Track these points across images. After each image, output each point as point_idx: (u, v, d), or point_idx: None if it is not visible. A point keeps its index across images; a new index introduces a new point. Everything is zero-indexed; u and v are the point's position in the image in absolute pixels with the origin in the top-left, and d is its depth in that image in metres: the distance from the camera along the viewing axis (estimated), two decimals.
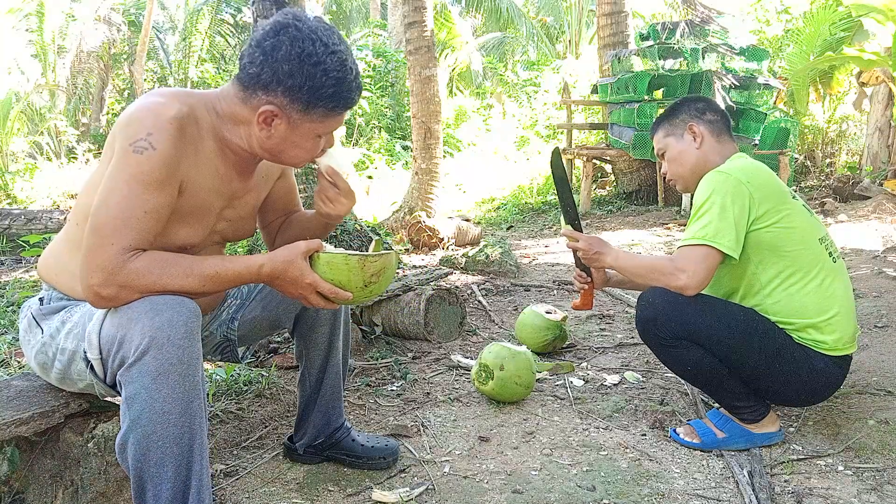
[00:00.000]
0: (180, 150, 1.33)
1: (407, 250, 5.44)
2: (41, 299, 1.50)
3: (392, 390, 2.48)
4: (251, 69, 1.35)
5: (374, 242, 1.59)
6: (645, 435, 2.08)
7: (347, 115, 1.51)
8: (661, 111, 2.43)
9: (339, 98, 1.38)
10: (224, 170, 1.47)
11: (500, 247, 4.63)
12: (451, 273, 4.19)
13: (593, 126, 8.99)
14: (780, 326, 1.86)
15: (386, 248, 1.66)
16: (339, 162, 1.56)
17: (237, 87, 1.40)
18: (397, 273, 1.80)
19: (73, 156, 12.76)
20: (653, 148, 2.14)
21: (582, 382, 2.54)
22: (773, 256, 1.85)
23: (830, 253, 1.91)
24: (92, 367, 1.33)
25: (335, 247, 1.46)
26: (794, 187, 8.05)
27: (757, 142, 7.12)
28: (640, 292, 2.01)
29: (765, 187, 1.84)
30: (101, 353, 1.29)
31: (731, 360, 1.86)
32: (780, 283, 1.86)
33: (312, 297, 1.41)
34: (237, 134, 1.44)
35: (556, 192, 2.26)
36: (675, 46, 7.35)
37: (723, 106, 2.32)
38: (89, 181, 1.42)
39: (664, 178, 2.16)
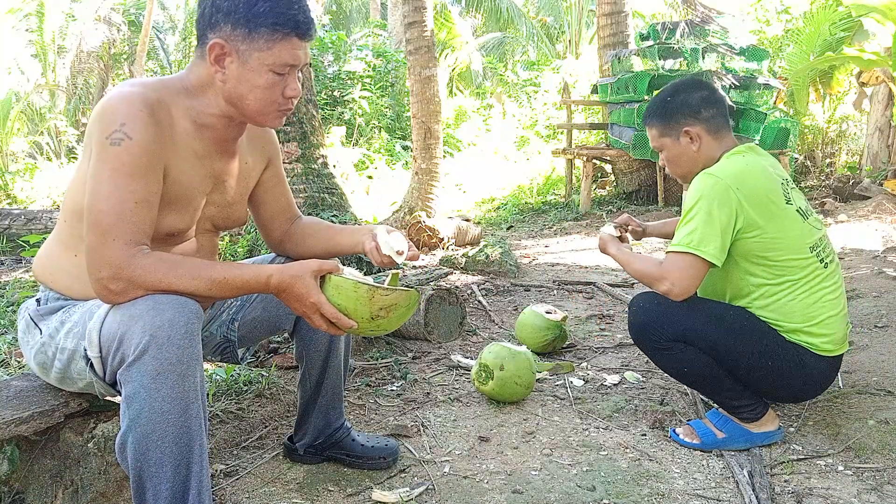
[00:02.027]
0: (156, 135, 1.33)
1: None
2: (38, 300, 1.50)
3: (392, 390, 2.48)
4: (197, 16, 1.39)
5: (390, 276, 1.52)
6: (645, 435, 2.08)
7: (304, 56, 1.41)
8: None
9: (278, 15, 1.34)
10: (203, 150, 1.46)
11: (500, 247, 4.63)
12: (451, 273, 4.20)
13: (593, 126, 8.98)
14: (771, 326, 1.87)
15: (405, 286, 1.61)
16: (391, 245, 1.58)
17: (197, 50, 1.42)
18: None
19: (73, 156, 12.75)
20: (653, 148, 2.14)
21: (582, 382, 2.54)
22: (761, 264, 1.85)
23: (822, 259, 1.88)
24: (92, 366, 1.33)
25: (362, 273, 1.43)
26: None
27: (757, 142, 7.12)
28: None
29: (755, 194, 1.82)
30: (100, 351, 1.29)
31: (724, 359, 1.86)
32: (767, 291, 1.87)
33: (315, 317, 1.39)
34: (207, 102, 1.43)
35: None
36: (675, 46, 7.34)
37: None
38: (73, 179, 1.42)
39: (664, 169, 2.18)
